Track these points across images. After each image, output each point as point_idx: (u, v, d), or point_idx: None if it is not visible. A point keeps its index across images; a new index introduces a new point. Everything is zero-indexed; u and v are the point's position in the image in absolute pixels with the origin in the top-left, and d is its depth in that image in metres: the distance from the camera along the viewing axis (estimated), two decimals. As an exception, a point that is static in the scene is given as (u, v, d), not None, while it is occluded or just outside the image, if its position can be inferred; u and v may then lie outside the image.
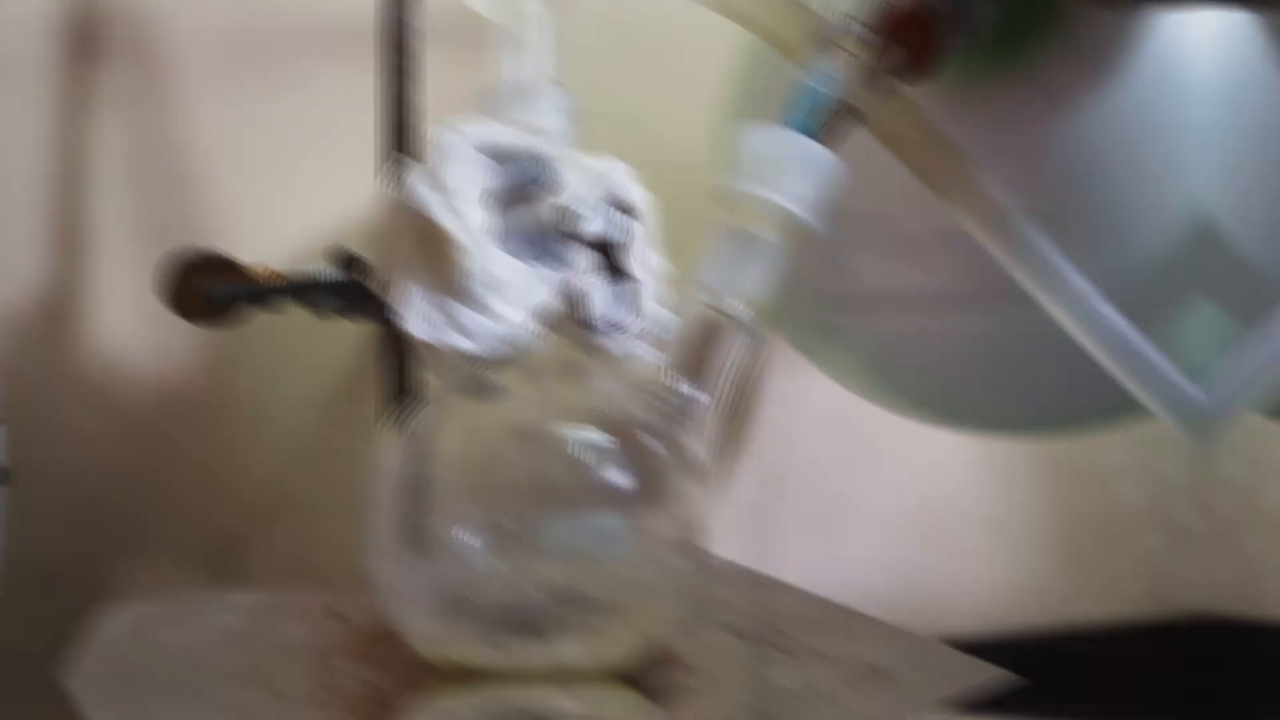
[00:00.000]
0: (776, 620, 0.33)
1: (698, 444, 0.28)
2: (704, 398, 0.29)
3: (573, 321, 0.27)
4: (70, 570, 0.53)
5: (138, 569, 0.55)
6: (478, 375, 0.28)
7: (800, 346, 0.51)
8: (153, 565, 0.55)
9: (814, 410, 0.68)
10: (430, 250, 0.25)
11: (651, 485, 0.26)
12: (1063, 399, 0.43)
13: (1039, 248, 0.34)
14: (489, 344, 0.25)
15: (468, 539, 0.25)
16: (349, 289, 0.38)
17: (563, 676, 0.26)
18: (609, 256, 0.28)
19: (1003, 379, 0.42)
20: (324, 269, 0.39)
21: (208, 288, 0.38)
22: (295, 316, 0.55)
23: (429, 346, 0.28)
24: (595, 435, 0.26)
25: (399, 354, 0.44)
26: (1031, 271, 0.34)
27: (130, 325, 0.53)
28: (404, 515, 0.26)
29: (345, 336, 0.57)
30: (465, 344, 0.25)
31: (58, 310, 0.53)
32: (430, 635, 0.26)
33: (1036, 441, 0.51)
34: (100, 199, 0.53)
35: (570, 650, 0.25)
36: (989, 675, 0.28)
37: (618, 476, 0.26)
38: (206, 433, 0.55)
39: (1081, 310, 0.34)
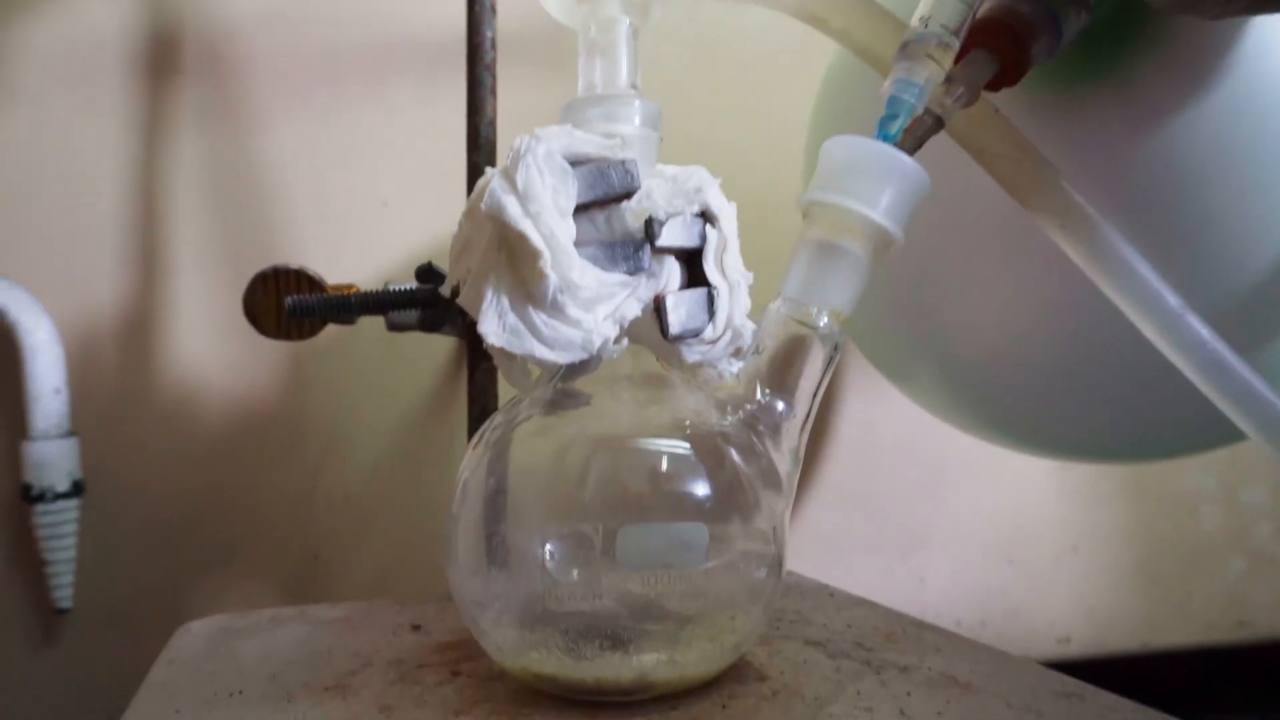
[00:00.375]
0: (856, 634, 0.32)
1: (778, 456, 0.28)
2: (786, 409, 0.28)
3: (653, 330, 0.27)
4: (146, 586, 0.54)
5: (215, 588, 0.56)
6: (557, 386, 0.28)
7: (885, 369, 0.50)
8: (231, 584, 0.56)
9: (893, 433, 0.68)
10: (510, 257, 0.25)
11: (731, 496, 0.26)
12: (1152, 424, 0.41)
13: (1130, 262, 0.32)
14: (568, 352, 0.25)
15: (549, 550, 0.25)
16: (426, 300, 0.37)
17: (643, 688, 0.25)
18: (691, 265, 0.27)
19: (1091, 404, 0.41)
20: (402, 284, 0.40)
21: (283, 300, 0.38)
22: (374, 336, 0.56)
23: (507, 356, 0.28)
24: (676, 446, 0.26)
25: (479, 369, 0.44)
26: (1121, 287, 0.33)
27: (207, 344, 0.55)
28: (485, 527, 0.26)
29: (424, 357, 0.58)
30: (544, 352, 0.25)
31: (134, 327, 0.54)
32: (511, 646, 0.26)
33: (1121, 465, 0.49)
34: (179, 217, 0.54)
35: (650, 660, 0.25)
36: (1070, 688, 0.27)
37: (698, 487, 0.25)
38: (285, 452, 0.56)
39: (1173, 327, 0.32)
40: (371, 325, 0.55)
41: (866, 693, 0.27)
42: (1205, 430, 0.41)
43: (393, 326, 0.43)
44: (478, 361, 0.45)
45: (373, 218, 0.56)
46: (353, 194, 0.56)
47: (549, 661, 0.25)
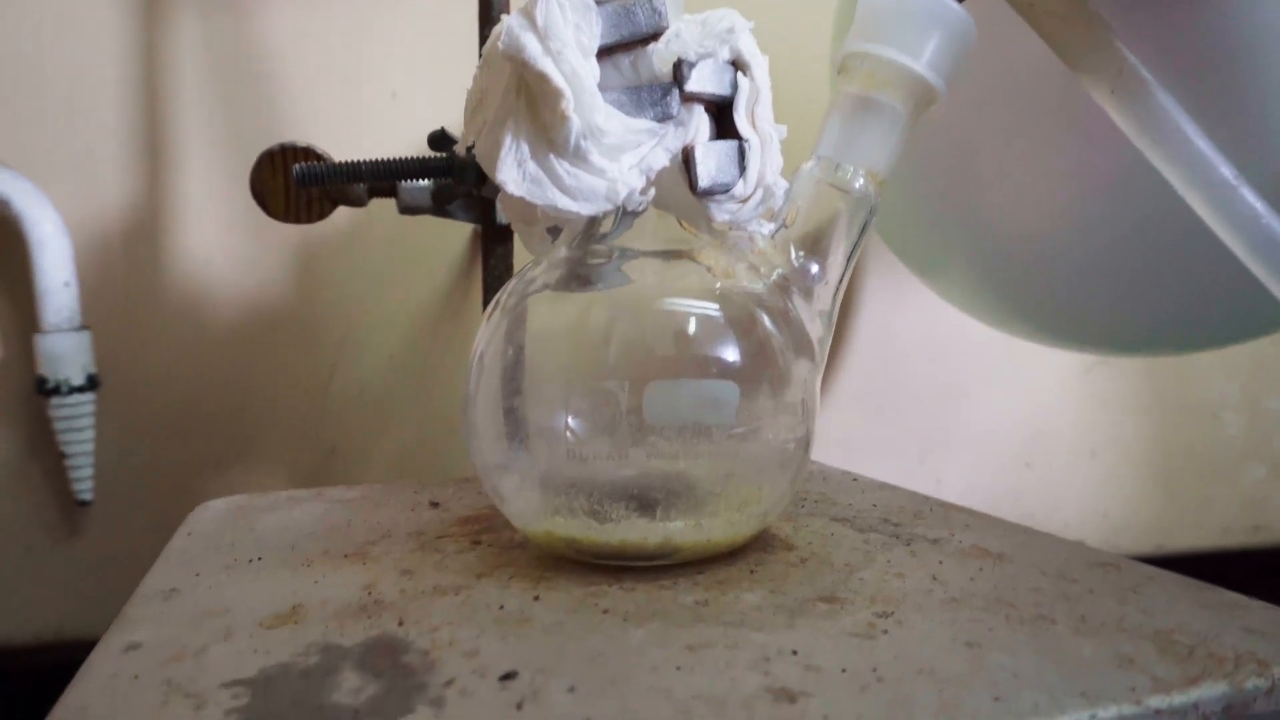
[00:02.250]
0: (883, 512, 0.32)
1: (810, 320, 0.26)
2: (819, 272, 0.27)
3: (680, 189, 0.25)
4: (164, 479, 0.54)
5: (233, 481, 0.56)
6: (578, 253, 0.26)
7: (912, 262, 0.49)
8: (248, 478, 0.56)
9: (913, 337, 0.67)
10: (529, 102, 0.23)
11: (762, 360, 0.25)
12: (1193, 311, 0.40)
13: (1183, 129, 0.30)
14: (592, 203, 0.24)
15: (573, 409, 0.24)
16: (439, 169, 0.36)
17: (668, 552, 0.25)
18: (721, 119, 0.26)
19: (1129, 290, 0.39)
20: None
21: (292, 174, 0.36)
22: (386, 226, 0.55)
23: (526, 221, 0.27)
24: (705, 307, 0.25)
25: (494, 256, 0.43)
26: (1172, 156, 0.31)
27: (217, 237, 0.53)
28: (504, 390, 0.25)
29: (438, 249, 0.57)
30: (566, 203, 0.23)
31: (142, 219, 0.53)
32: (533, 511, 0.25)
33: (1154, 357, 0.47)
34: (183, 106, 0.52)
35: (676, 525, 0.24)
36: (1105, 559, 0.27)
37: (728, 349, 0.24)
38: (299, 346, 0.56)
39: (1226, 200, 0.30)
40: (383, 213, 0.54)
41: (897, 561, 0.26)
42: (1248, 317, 0.39)
43: (404, 209, 0.41)
44: (492, 248, 0.44)
45: (381, 109, 0.54)
46: (361, 84, 0.54)
47: (572, 525, 0.24)
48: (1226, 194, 0.30)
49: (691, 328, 0.25)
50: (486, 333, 0.26)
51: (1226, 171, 0.30)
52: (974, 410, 0.69)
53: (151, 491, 0.55)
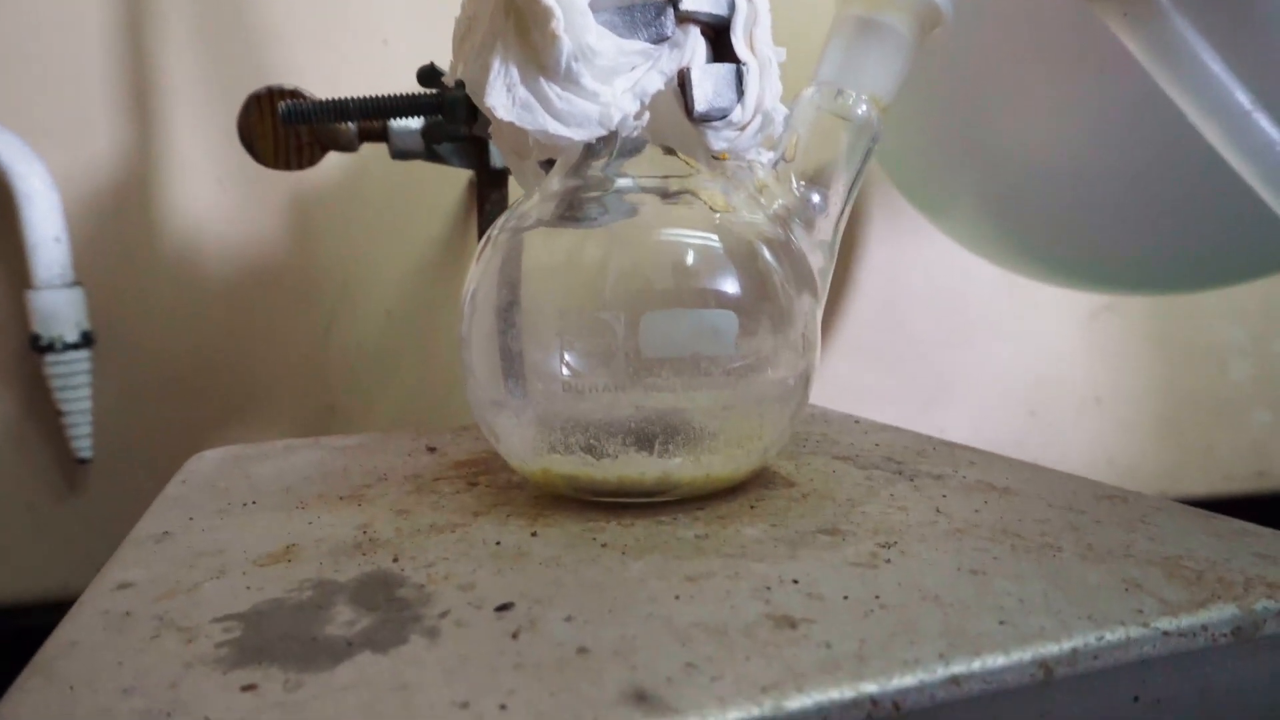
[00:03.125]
0: (886, 451, 0.31)
1: (811, 251, 0.26)
2: (820, 202, 0.26)
3: (676, 116, 0.24)
4: (163, 436, 0.54)
5: (232, 439, 0.55)
6: (573, 182, 0.26)
7: (918, 201, 0.48)
8: (247, 436, 0.55)
9: (916, 284, 0.66)
10: (518, 23, 0.22)
11: (762, 292, 0.24)
12: (1204, 246, 0.39)
13: (1198, 55, 0.29)
14: (584, 128, 0.23)
15: (567, 342, 0.23)
16: (429, 106, 0.35)
17: (667, 488, 0.24)
18: (718, 43, 0.25)
19: (1140, 225, 0.38)
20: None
21: (279, 114, 0.35)
22: (380, 177, 0.54)
23: (517, 154, 0.26)
24: (704, 237, 0.24)
25: (489, 202, 0.42)
26: (1186, 83, 0.30)
27: (208, 192, 0.53)
28: (499, 323, 0.25)
29: (434, 202, 0.56)
30: (558, 128, 0.23)
31: (132, 174, 0.52)
32: (529, 448, 0.25)
33: (1162, 295, 0.46)
34: (171, 58, 0.51)
35: (675, 461, 0.24)
36: (1111, 492, 0.26)
37: (728, 280, 0.24)
38: (295, 303, 0.55)
39: (1241, 128, 0.30)
40: (376, 161, 0.53)
41: (900, 495, 0.26)
42: (1263, 252, 0.38)
43: (396, 153, 0.41)
44: (487, 194, 0.43)
45: (372, 57, 0.53)
46: (351, 32, 0.52)
47: (569, 462, 0.24)
48: (1241, 121, 0.29)
49: (690, 259, 0.24)
50: (479, 270, 0.26)
51: (1242, 98, 0.29)
52: (977, 358, 0.68)
53: (151, 448, 0.54)
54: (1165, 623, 0.18)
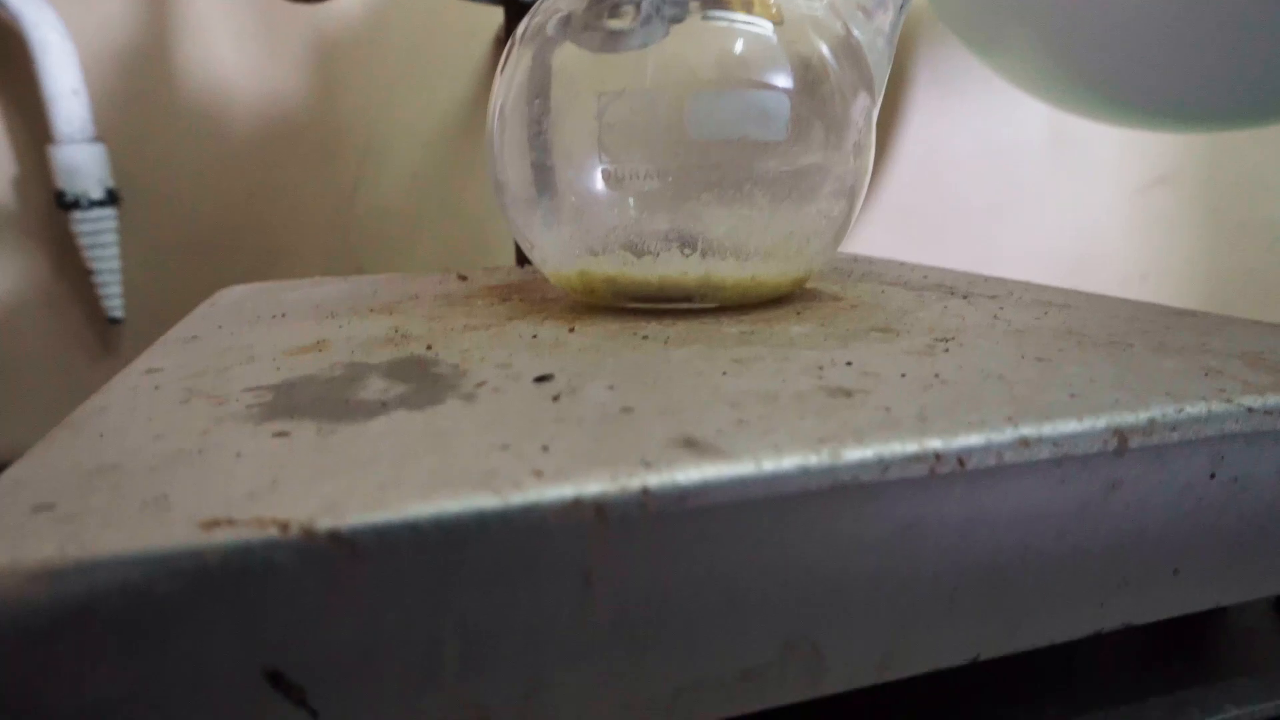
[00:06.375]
0: (937, 281, 0.30)
1: (870, 41, 0.24)
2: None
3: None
4: (192, 295, 0.54)
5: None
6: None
7: (969, 37, 0.45)
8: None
9: (959, 153, 0.63)
10: None
11: (817, 84, 0.22)
12: (1271, 73, 0.36)
13: None
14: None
15: (606, 126, 0.22)
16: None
17: (709, 290, 0.23)
18: None
19: (1205, 51, 0.35)
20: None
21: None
22: (403, 36, 0.52)
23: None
24: (756, 23, 0.22)
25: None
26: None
27: (228, 46, 0.51)
28: (532, 122, 0.23)
29: (459, 61, 0.54)
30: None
31: (149, 28, 0.50)
32: (566, 248, 0.24)
33: (1228, 129, 0.43)
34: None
35: (718, 262, 0.23)
36: (1172, 311, 0.25)
37: (780, 70, 0.22)
38: (320, 161, 0.53)
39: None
40: (398, 10, 0.50)
41: (955, 308, 0.25)
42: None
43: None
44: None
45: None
46: None
47: (608, 262, 0.23)
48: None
49: (739, 44, 0.22)
50: (503, 87, 0.24)
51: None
52: (1020, 231, 0.66)
53: (181, 308, 0.54)
54: (1251, 399, 0.17)
